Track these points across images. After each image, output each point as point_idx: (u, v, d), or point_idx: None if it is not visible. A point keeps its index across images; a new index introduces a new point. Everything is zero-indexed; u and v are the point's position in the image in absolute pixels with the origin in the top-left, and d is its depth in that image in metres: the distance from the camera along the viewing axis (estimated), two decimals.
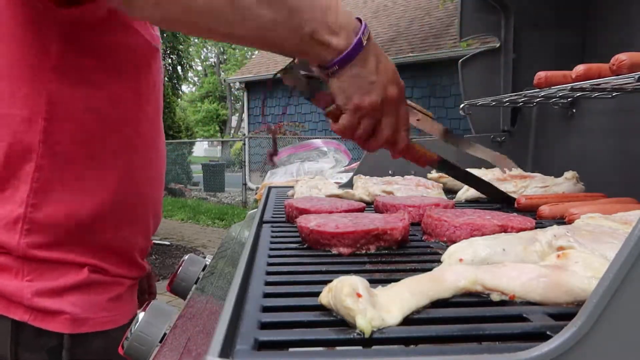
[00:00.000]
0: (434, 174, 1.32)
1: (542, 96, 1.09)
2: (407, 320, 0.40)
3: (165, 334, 0.79)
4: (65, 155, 0.84)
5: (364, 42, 0.68)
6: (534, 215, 0.91)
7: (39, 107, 0.80)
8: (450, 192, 1.24)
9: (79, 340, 0.87)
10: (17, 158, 0.82)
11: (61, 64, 0.80)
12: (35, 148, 0.81)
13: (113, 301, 0.94)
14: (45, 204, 0.84)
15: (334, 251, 0.65)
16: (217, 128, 27.91)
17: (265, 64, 14.30)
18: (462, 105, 1.47)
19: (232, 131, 24.81)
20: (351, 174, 1.36)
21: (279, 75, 0.74)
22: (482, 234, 0.66)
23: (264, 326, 0.40)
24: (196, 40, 25.23)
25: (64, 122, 0.83)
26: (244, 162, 10.82)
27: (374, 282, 0.44)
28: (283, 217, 0.90)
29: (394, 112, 0.74)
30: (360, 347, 0.37)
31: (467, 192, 1.13)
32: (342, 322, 0.39)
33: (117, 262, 0.95)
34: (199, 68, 30.10)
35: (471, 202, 1.11)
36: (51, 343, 0.86)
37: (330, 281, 0.42)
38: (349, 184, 1.30)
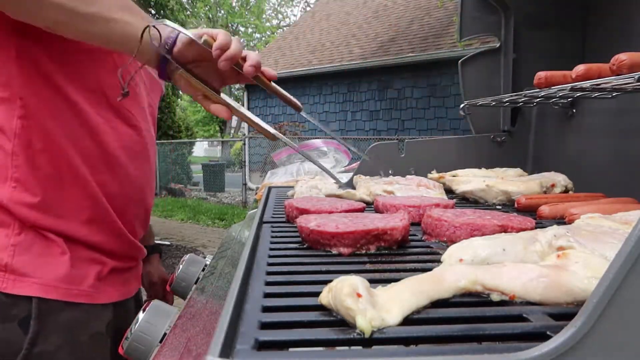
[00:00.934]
0: (434, 174, 1.32)
1: (542, 96, 1.09)
2: (407, 320, 0.40)
3: (165, 334, 0.79)
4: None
5: None
6: (534, 215, 0.91)
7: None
8: (450, 192, 1.24)
9: (48, 310, 0.88)
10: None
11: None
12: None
13: (94, 278, 0.95)
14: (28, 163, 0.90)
15: (334, 251, 0.65)
16: (217, 128, 27.90)
17: (265, 64, 14.27)
18: (462, 106, 1.47)
19: (232, 131, 24.79)
20: (351, 174, 1.36)
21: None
22: (482, 234, 0.66)
23: (264, 326, 0.40)
24: None
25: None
26: (244, 162, 10.81)
27: (374, 282, 0.44)
28: (283, 217, 0.90)
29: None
30: (360, 347, 0.37)
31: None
32: (342, 322, 0.39)
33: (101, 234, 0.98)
34: None
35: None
36: (22, 314, 0.87)
37: (330, 281, 0.42)
38: (349, 184, 1.30)
